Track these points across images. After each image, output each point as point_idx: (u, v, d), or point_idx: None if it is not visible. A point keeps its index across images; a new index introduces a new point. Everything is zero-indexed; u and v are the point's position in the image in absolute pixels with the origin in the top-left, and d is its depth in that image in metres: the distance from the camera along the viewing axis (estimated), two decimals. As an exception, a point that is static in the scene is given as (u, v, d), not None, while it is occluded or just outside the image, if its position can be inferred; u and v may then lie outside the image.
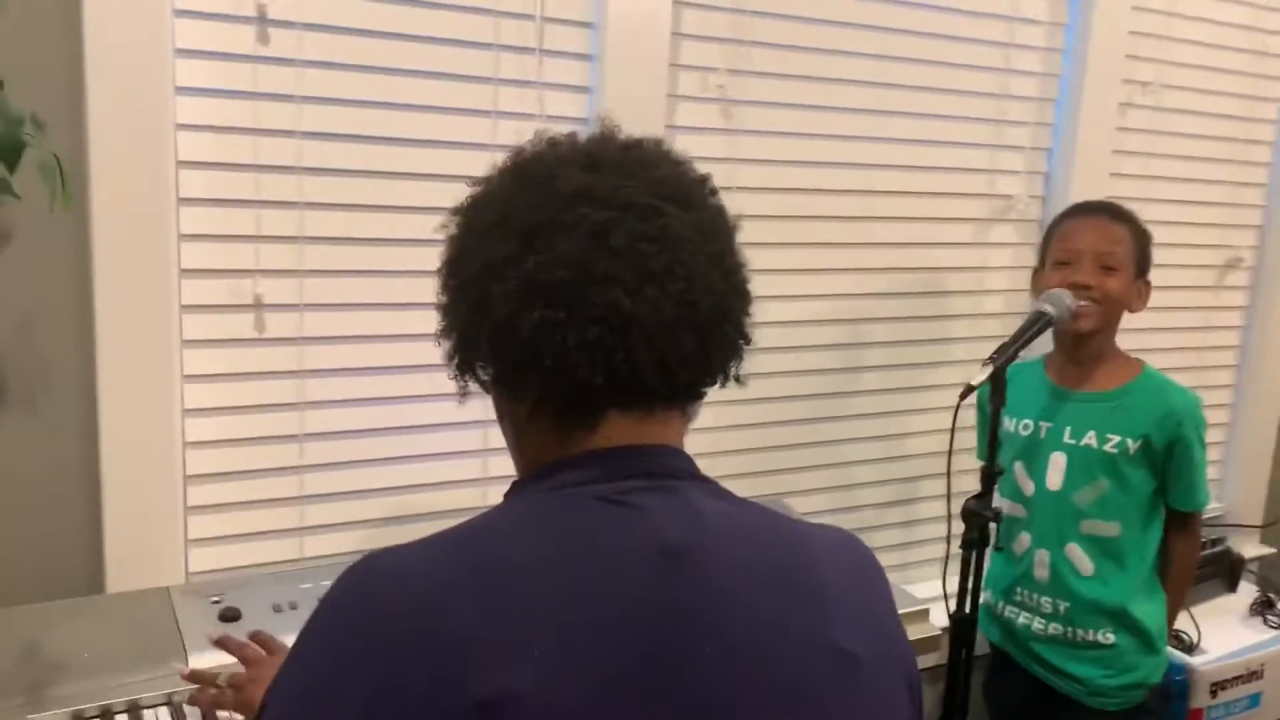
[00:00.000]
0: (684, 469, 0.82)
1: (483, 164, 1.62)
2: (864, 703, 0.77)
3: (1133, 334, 2.33)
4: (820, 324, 2.01)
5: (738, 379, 0.88)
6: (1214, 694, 1.96)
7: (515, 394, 0.83)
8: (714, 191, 0.87)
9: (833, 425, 2.06)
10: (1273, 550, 2.69)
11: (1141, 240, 1.79)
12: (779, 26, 1.85)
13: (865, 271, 2.03)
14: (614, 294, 0.76)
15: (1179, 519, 1.81)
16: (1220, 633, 2.04)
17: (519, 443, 0.86)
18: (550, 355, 0.76)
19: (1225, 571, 2.32)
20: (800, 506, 2.04)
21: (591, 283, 0.76)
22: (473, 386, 0.85)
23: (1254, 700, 2.01)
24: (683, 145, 1.77)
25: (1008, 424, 1.88)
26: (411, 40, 1.55)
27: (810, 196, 1.94)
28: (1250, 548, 2.66)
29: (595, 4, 1.67)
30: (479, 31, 1.60)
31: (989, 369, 1.67)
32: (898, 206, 2.04)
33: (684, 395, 0.84)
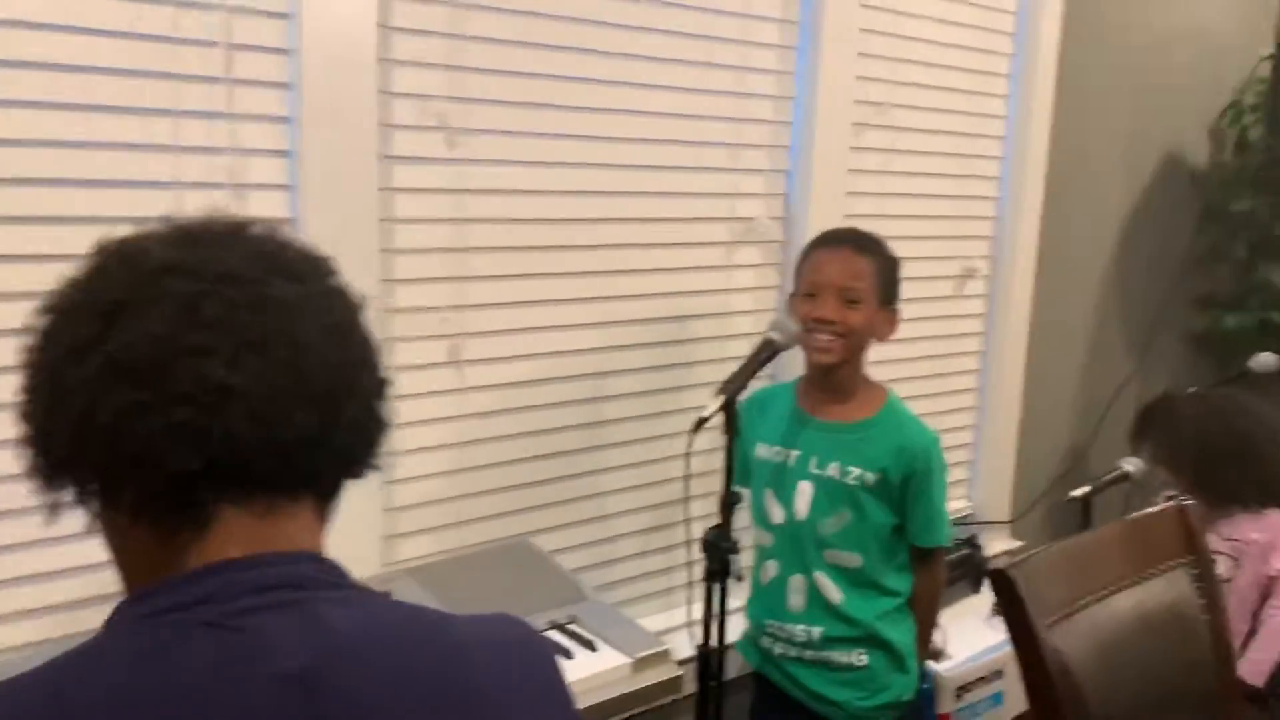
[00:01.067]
0: (313, 577, 0.73)
1: (164, 204, 1.53)
2: None
3: (881, 346, 2.41)
4: (566, 354, 1.95)
5: (375, 467, 0.81)
6: (959, 697, 2.03)
7: (109, 501, 0.72)
8: (333, 272, 0.78)
9: (584, 457, 2.01)
10: (1021, 544, 2.83)
11: (887, 270, 1.80)
12: (501, 52, 1.78)
13: (610, 300, 1.99)
14: (206, 366, 0.67)
15: (918, 553, 1.83)
16: (965, 636, 2.12)
17: (122, 560, 0.75)
18: (136, 444, 0.67)
19: (971, 573, 2.41)
20: (554, 543, 1.98)
21: (178, 357, 0.67)
22: (67, 499, 0.74)
23: (996, 699, 2.10)
24: (403, 176, 1.73)
25: (761, 449, 1.88)
26: (77, 72, 1.40)
27: (549, 226, 1.89)
28: (1001, 542, 2.79)
29: (289, 28, 1.55)
30: (154, 60, 1.45)
31: (720, 399, 1.66)
32: (640, 233, 2.01)
33: (310, 484, 0.75)
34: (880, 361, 2.36)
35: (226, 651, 0.66)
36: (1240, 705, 1.51)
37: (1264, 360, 2.62)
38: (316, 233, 1.52)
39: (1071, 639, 1.30)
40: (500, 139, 1.80)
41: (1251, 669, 2.21)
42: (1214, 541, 2.04)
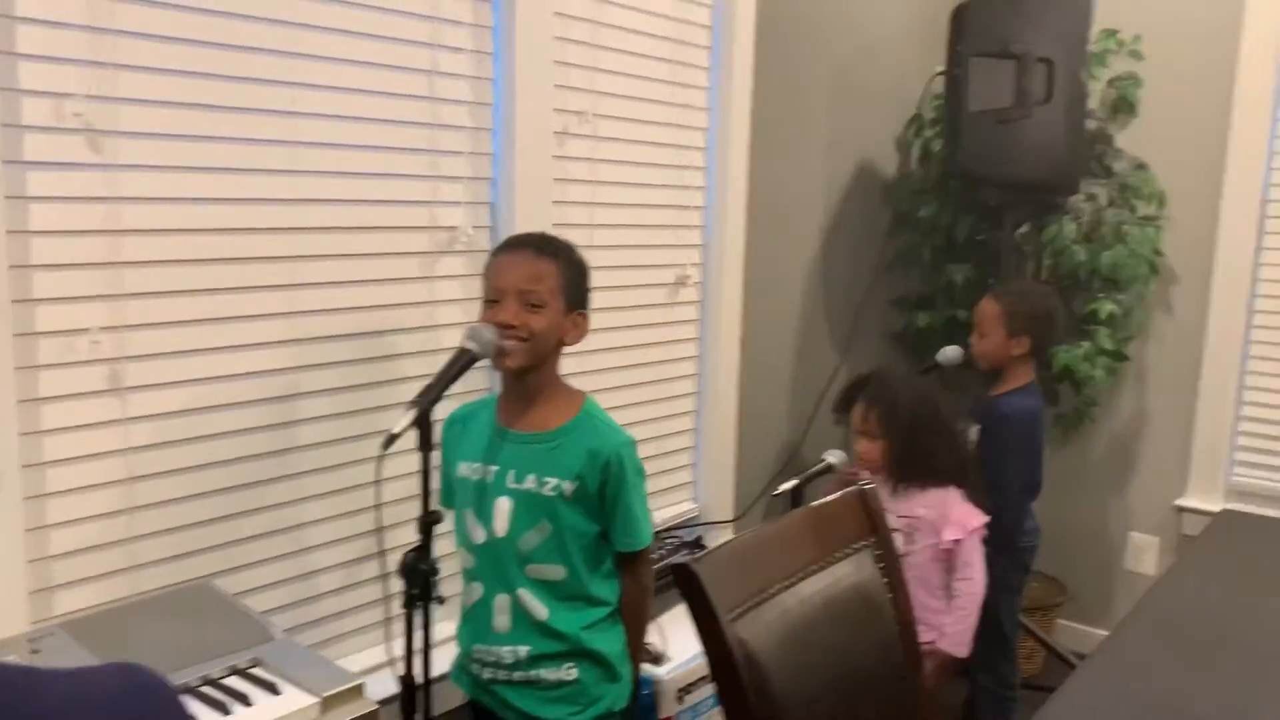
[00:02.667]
0: None
1: None
2: None
3: (599, 354, 2.41)
4: (248, 376, 1.81)
5: None
6: (681, 699, 2.04)
7: None
8: None
9: (274, 487, 1.87)
10: (745, 542, 2.91)
11: (573, 272, 1.76)
12: (156, 48, 1.63)
13: (297, 315, 1.87)
14: None
15: (622, 559, 1.81)
16: (685, 638, 2.12)
17: None
18: None
19: (691, 575, 2.44)
20: (245, 582, 1.82)
21: None
22: None
23: (718, 698, 2.12)
24: (38, 183, 1.54)
25: (462, 468, 1.81)
26: None
27: (222, 237, 1.74)
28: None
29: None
30: None
31: (412, 413, 1.58)
32: (330, 243, 1.90)
33: None
34: (598, 370, 2.37)
35: None
36: (923, 678, 1.58)
37: (949, 354, 2.82)
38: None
39: (757, 628, 1.31)
40: (159, 142, 1.65)
41: (952, 642, 2.37)
42: (889, 520, 2.18)
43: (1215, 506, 3.20)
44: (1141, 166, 3.23)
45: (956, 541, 2.34)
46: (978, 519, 2.38)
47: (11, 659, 1.41)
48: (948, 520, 2.35)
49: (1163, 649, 1.76)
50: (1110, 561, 3.54)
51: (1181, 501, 3.37)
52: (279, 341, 1.84)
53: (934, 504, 2.35)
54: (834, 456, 2.37)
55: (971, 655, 2.77)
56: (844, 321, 3.24)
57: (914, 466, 2.36)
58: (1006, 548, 2.64)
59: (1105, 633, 3.46)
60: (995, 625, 2.69)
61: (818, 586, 1.46)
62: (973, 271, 3.21)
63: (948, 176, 3.20)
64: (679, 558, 2.37)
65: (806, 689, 1.35)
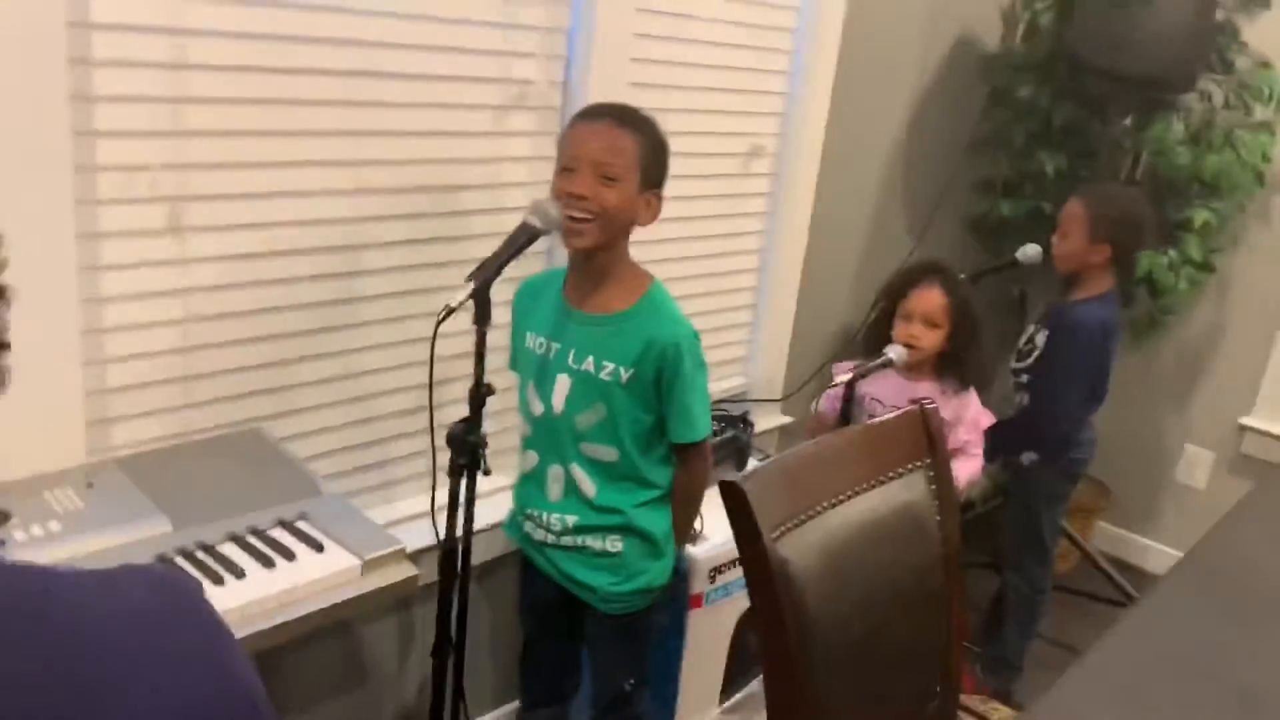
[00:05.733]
0: None
1: None
2: None
3: (663, 224, 2.33)
4: (310, 224, 1.77)
5: None
6: (712, 579, 2.06)
7: None
8: None
9: (329, 337, 1.86)
10: (792, 419, 2.90)
11: (652, 150, 1.68)
12: None
13: (363, 165, 1.81)
14: None
15: (677, 450, 1.79)
16: (721, 517, 2.12)
17: None
18: None
19: (735, 454, 2.44)
20: (292, 428, 1.84)
21: None
22: None
23: (750, 578, 2.15)
24: (102, 10, 1.47)
25: (529, 339, 1.80)
26: None
27: (287, 78, 1.67)
28: (772, 418, 2.84)
29: None
30: None
31: (470, 287, 1.54)
32: (400, 91, 1.82)
33: None
34: (661, 240, 2.30)
35: None
36: (962, 599, 1.57)
37: (1029, 252, 2.71)
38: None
39: (799, 547, 1.29)
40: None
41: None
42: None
43: (1280, 430, 3.12)
44: (1266, 65, 2.99)
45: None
46: (988, 419, 2.40)
47: (68, 491, 1.44)
48: (962, 421, 2.34)
49: (1208, 605, 1.72)
50: (1161, 471, 3.49)
51: (1246, 420, 3.28)
52: (342, 191, 1.79)
53: (958, 407, 2.33)
54: (894, 352, 2.31)
55: (1005, 554, 2.78)
56: (924, 203, 3.11)
57: (964, 366, 2.33)
58: (1058, 457, 2.60)
59: (1148, 542, 3.47)
60: (1035, 531, 2.68)
61: (865, 506, 1.43)
62: (1066, 162, 3.03)
63: (1054, 57, 2.99)
64: (725, 437, 2.38)
65: (840, 609, 1.34)
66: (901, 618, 1.46)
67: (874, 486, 1.45)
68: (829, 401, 2.38)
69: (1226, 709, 1.40)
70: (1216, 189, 2.94)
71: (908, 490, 1.50)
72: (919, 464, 1.53)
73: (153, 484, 1.49)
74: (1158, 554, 3.44)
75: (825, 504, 1.37)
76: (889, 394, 2.35)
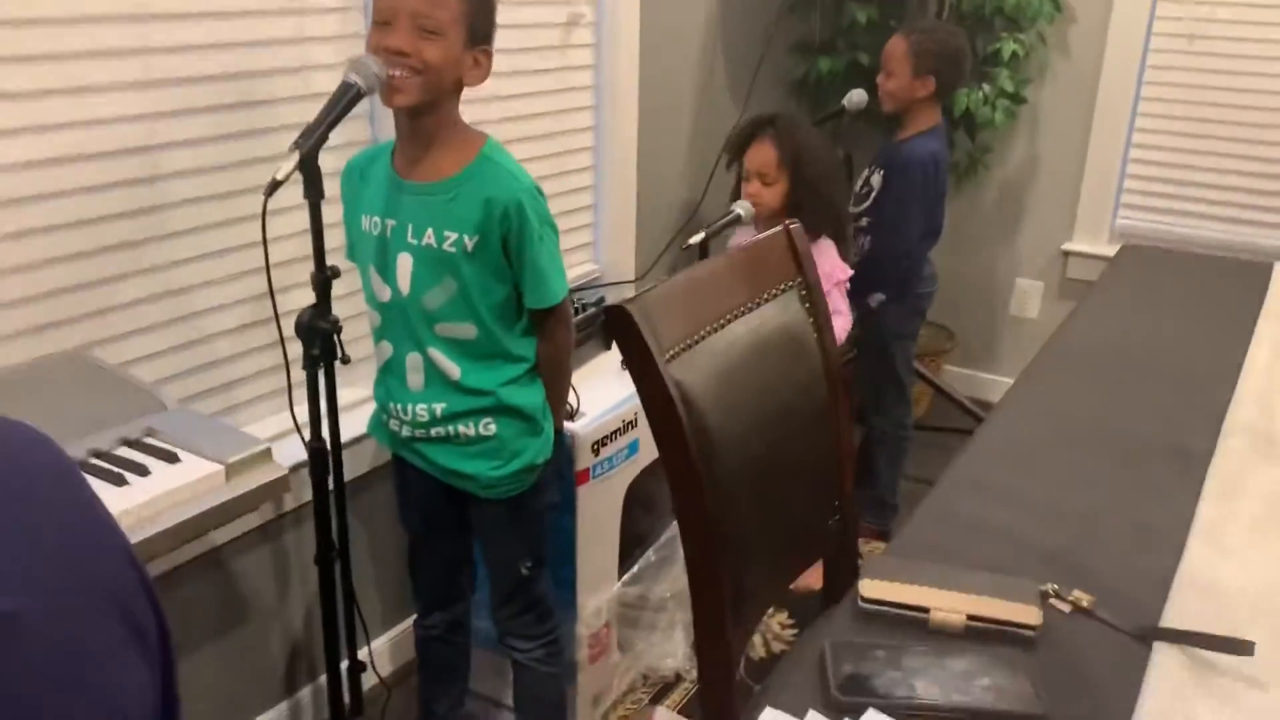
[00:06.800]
0: None
1: None
2: (32, 675, 0.52)
3: (484, 104, 2.22)
4: (104, 123, 1.59)
5: None
6: (596, 452, 2.02)
7: None
8: None
9: (147, 249, 1.69)
10: (646, 300, 2.86)
11: (477, 2, 1.56)
12: None
13: (159, 52, 1.63)
14: None
15: (535, 316, 1.70)
16: (598, 392, 2.09)
17: None
18: None
19: (599, 332, 2.39)
20: (126, 352, 1.68)
21: None
22: None
23: (633, 448, 2.11)
24: None
25: (364, 221, 1.66)
26: None
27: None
28: (627, 301, 2.80)
29: None
30: None
31: (295, 157, 1.42)
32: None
33: None
34: (483, 122, 2.19)
35: None
36: (848, 416, 1.57)
37: (855, 98, 2.74)
38: None
39: (690, 370, 1.26)
40: None
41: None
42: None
43: (1101, 251, 3.29)
44: (1051, -106, 3.08)
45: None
46: (845, 271, 2.39)
47: None
48: (821, 274, 2.35)
49: (1085, 376, 1.80)
50: (996, 308, 3.65)
51: (1068, 246, 3.45)
52: (132, 83, 1.61)
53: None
54: (741, 208, 2.30)
55: (864, 399, 2.85)
56: (744, 70, 3.09)
57: (810, 215, 2.32)
58: (904, 294, 2.67)
59: (992, 377, 3.64)
60: (890, 370, 2.75)
61: (746, 328, 1.40)
62: (875, 11, 3.07)
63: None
64: (586, 315, 2.33)
65: (737, 429, 1.32)
66: (795, 435, 1.45)
67: (752, 309, 1.43)
68: None
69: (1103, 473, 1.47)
70: (1018, 21, 3.03)
71: (784, 310, 1.49)
72: (791, 284, 1.51)
73: (-33, 420, 1.32)
74: (1003, 387, 3.61)
75: (709, 328, 1.33)
76: None
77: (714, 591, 1.29)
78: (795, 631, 2.46)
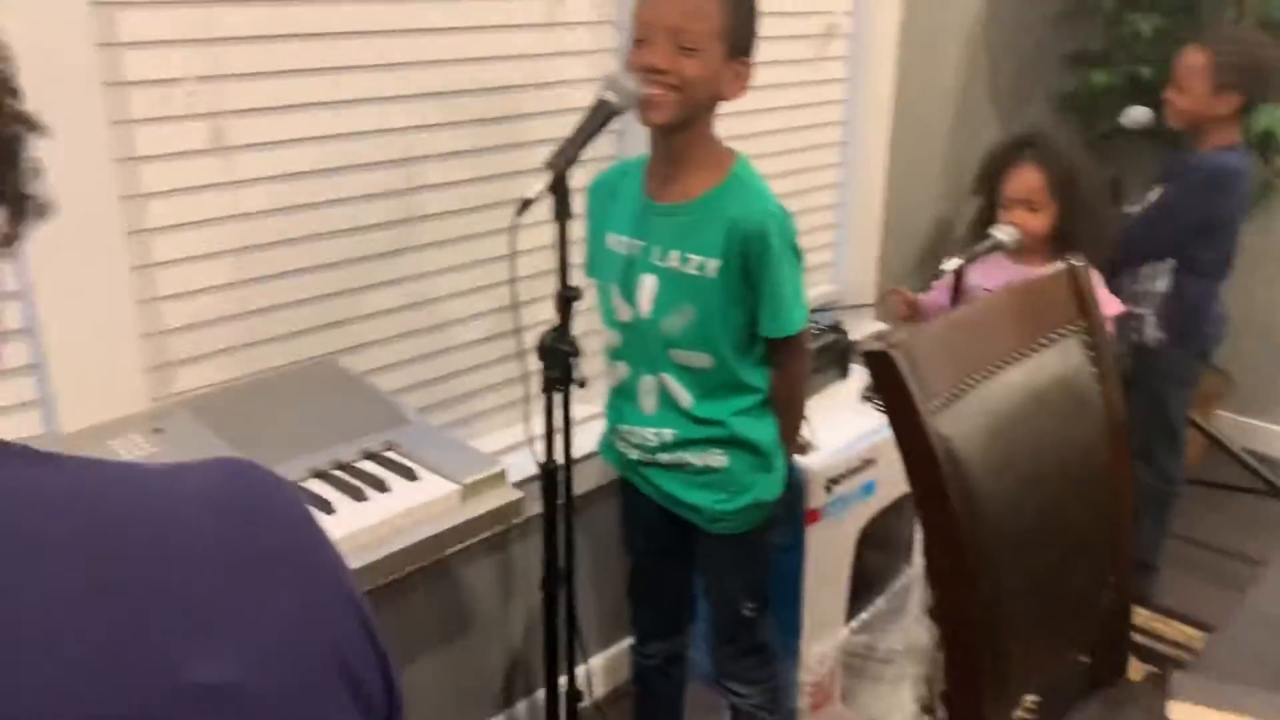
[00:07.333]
0: None
1: None
2: None
3: (732, 118, 2.14)
4: (365, 135, 1.62)
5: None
6: (829, 490, 1.90)
7: None
8: None
9: (397, 261, 1.72)
10: (887, 326, 2.70)
11: (740, 11, 1.48)
12: None
13: (416, 66, 1.65)
14: None
15: (770, 345, 1.60)
16: (834, 425, 1.97)
17: None
18: None
19: (837, 360, 2.26)
20: (370, 360, 1.71)
21: None
22: None
23: (869, 488, 1.98)
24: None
25: (610, 239, 1.62)
26: None
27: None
28: (866, 326, 2.65)
29: None
30: None
31: (547, 177, 1.38)
32: (443, -17, 1.66)
33: None
34: (730, 137, 2.11)
35: None
36: (1130, 479, 1.39)
37: (1136, 115, 2.49)
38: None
39: (957, 423, 1.12)
40: None
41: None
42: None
43: None
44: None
45: None
46: (1115, 306, 2.14)
47: (135, 438, 1.32)
48: None
49: None
50: (1282, 351, 3.24)
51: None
52: (394, 97, 1.64)
53: None
54: (1005, 233, 2.11)
55: (1133, 446, 2.57)
56: (1009, 83, 2.87)
57: (1083, 245, 2.10)
58: (1188, 334, 2.39)
59: (1274, 428, 3.23)
60: (1163, 418, 2.47)
61: (1021, 377, 1.25)
62: (1162, 21, 2.77)
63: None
64: (824, 342, 2.21)
65: (1006, 490, 1.17)
66: (1071, 499, 1.29)
67: (1028, 354, 1.27)
68: (936, 294, 2.19)
69: None
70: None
71: (1064, 358, 1.32)
72: (1072, 328, 1.34)
73: (224, 424, 1.36)
74: (1287, 440, 3.21)
75: (980, 373, 1.19)
76: (1001, 283, 2.15)
77: (971, 665, 1.16)
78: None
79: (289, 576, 0.53)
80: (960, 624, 1.13)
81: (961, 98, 2.76)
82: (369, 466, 1.35)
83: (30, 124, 0.52)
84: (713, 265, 1.52)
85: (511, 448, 1.81)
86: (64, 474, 0.50)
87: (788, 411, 1.69)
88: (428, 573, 1.83)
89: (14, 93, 0.51)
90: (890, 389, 1.07)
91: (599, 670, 2.21)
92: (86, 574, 0.46)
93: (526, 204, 1.37)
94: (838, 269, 2.63)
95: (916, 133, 2.64)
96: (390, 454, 1.39)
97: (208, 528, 0.51)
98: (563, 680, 1.75)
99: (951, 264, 2.06)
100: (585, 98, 1.83)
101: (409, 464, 1.36)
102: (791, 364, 1.65)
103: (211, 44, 1.43)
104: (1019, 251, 2.14)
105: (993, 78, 2.83)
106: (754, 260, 1.51)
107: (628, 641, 2.04)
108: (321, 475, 1.33)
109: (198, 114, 1.44)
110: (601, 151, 1.95)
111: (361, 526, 1.23)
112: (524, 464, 1.65)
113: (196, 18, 1.41)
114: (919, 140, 2.66)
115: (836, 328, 2.39)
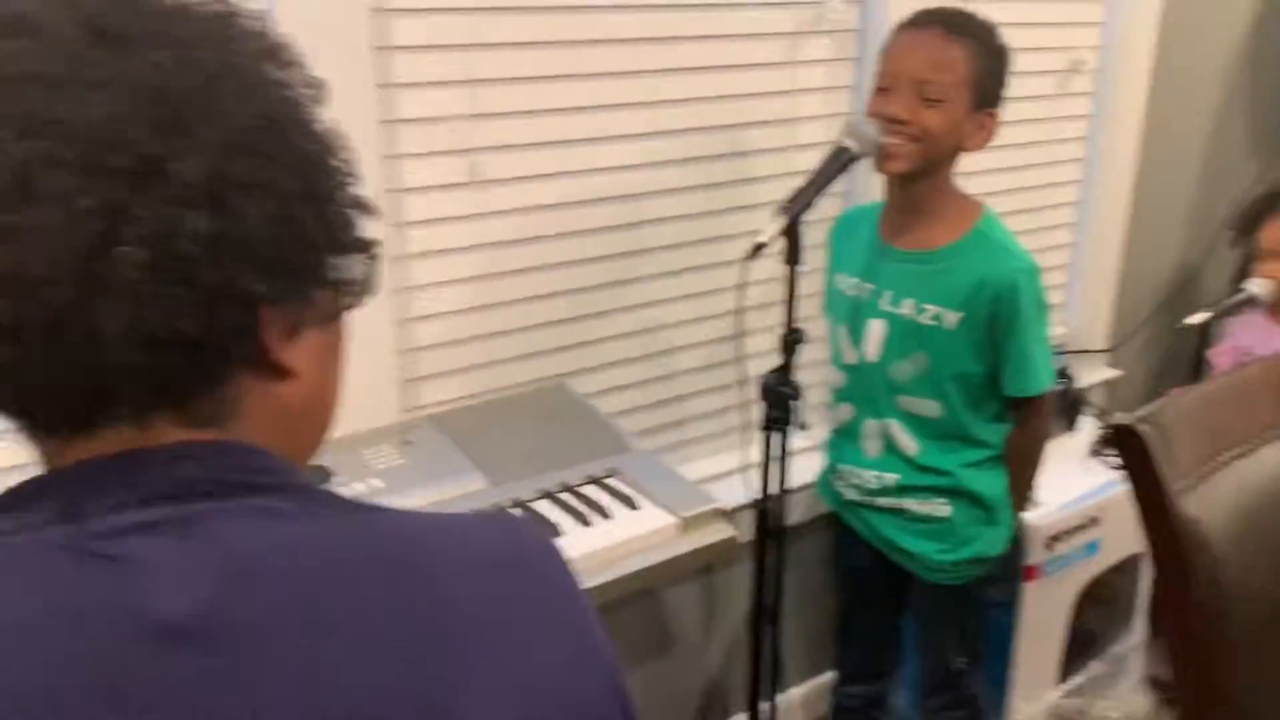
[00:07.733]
0: (226, 476, 0.52)
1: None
2: None
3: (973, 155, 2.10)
4: (603, 171, 1.69)
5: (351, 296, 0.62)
6: (1050, 547, 1.83)
7: None
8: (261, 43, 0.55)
9: (627, 289, 1.78)
10: (1119, 373, 2.57)
11: (988, 62, 1.46)
12: None
13: (653, 106, 1.71)
14: None
15: (1013, 404, 1.57)
16: (1059, 480, 1.89)
17: None
18: None
19: (1064, 411, 2.17)
20: (593, 385, 1.78)
21: None
22: None
23: (1091, 548, 1.89)
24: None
25: (840, 280, 1.64)
26: None
27: (580, 15, 1.59)
28: (1096, 372, 2.53)
29: None
30: None
31: (781, 221, 1.40)
32: (685, 23, 1.70)
33: (233, 336, 0.53)
34: (964, 172, 2.07)
35: (97, 590, 0.47)
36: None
37: None
38: (293, 24, 1.26)
39: (1208, 506, 1.06)
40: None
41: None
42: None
43: None
44: None
45: None
46: None
47: (386, 449, 1.43)
48: None
49: None
50: None
51: None
52: (634, 135, 1.70)
53: None
54: (1259, 287, 1.97)
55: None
56: (1271, 120, 2.67)
57: None
58: None
59: None
60: None
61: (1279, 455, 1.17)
62: None
63: None
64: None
65: (1262, 581, 1.10)
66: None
67: (1289, 432, 1.19)
68: (1223, 357, 2.07)
69: None
70: None
71: (1329, 438, 1.22)
72: (1341, 406, 1.24)
73: (466, 440, 1.46)
74: None
75: (1235, 451, 1.12)
76: (1259, 343, 2.00)
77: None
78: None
79: (556, 639, 0.56)
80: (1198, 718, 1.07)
81: (1216, 139, 2.59)
82: (593, 492, 1.41)
83: (367, 209, 0.58)
84: (952, 318, 1.50)
85: (724, 474, 1.84)
86: (362, 525, 0.55)
87: (1023, 470, 1.65)
88: (637, 591, 1.89)
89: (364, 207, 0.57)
90: (1138, 467, 1.03)
91: (798, 702, 2.21)
92: (384, 617, 0.51)
93: (759, 248, 1.39)
94: (1068, 310, 2.51)
95: (1163, 174, 2.49)
96: (612, 480, 1.44)
97: (489, 589, 0.55)
98: (764, 707, 1.76)
99: (1197, 318, 1.95)
100: (815, 133, 1.87)
101: (630, 493, 1.40)
102: (1033, 423, 1.61)
103: (473, 85, 1.53)
104: (1275, 306, 2.00)
105: (1253, 120, 2.64)
106: (1003, 319, 1.49)
107: (829, 675, 2.03)
108: (549, 496, 1.40)
109: (458, 149, 1.54)
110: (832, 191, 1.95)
111: (584, 552, 1.28)
112: (735, 491, 1.68)
113: (461, 60, 1.51)
114: (1165, 182, 2.52)
115: (1064, 373, 2.30)
